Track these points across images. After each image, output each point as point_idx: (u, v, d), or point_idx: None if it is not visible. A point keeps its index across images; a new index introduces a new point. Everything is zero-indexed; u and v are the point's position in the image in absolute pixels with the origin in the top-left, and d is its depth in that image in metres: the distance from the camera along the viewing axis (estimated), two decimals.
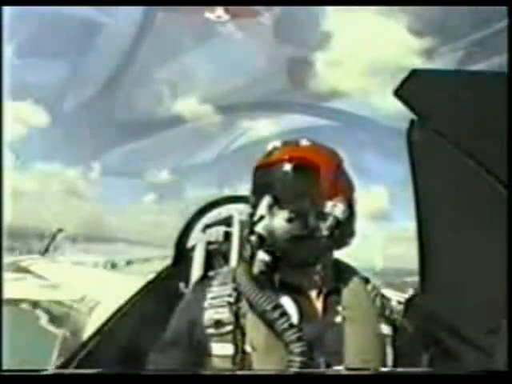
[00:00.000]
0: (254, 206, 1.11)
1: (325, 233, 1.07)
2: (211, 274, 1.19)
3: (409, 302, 1.91)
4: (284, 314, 0.98)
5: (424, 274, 1.78)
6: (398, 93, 1.42)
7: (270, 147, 1.20)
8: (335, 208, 1.09)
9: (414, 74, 1.40)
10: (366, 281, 1.17)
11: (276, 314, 0.97)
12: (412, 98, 1.44)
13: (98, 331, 2.01)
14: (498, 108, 1.23)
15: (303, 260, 1.10)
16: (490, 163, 1.34)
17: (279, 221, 1.05)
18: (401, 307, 1.91)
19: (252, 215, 1.10)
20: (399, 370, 1.02)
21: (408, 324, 1.15)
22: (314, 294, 1.10)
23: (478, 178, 1.38)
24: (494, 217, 1.35)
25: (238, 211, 2.15)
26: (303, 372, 0.93)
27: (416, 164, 1.61)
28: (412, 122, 1.52)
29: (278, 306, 0.98)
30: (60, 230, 14.71)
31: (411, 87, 1.40)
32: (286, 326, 0.96)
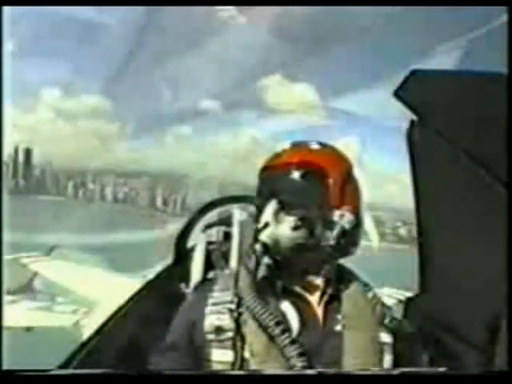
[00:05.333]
0: (259, 209, 1.09)
1: (331, 242, 1.05)
2: (212, 275, 1.18)
3: (409, 302, 1.91)
4: (286, 330, 0.98)
5: (424, 274, 1.78)
6: (398, 93, 1.42)
7: (279, 149, 1.17)
8: (343, 217, 1.07)
9: (414, 74, 1.39)
10: (367, 288, 1.16)
11: (278, 330, 0.97)
12: (412, 98, 1.44)
13: (98, 331, 2.01)
14: (498, 108, 1.23)
15: (306, 268, 1.10)
16: (489, 163, 1.34)
17: (285, 228, 1.03)
18: (401, 307, 1.91)
19: (257, 218, 1.09)
20: (399, 370, 1.02)
21: (408, 325, 1.15)
22: (315, 300, 1.08)
23: (478, 178, 1.37)
24: (493, 217, 1.35)
25: (238, 211, 2.14)
26: (303, 372, 0.93)
27: (416, 164, 1.61)
28: (412, 122, 1.52)
29: (280, 322, 0.98)
30: (55, 247, 14.83)
31: (411, 87, 1.40)
32: (287, 342, 0.96)
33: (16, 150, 66.26)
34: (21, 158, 66.55)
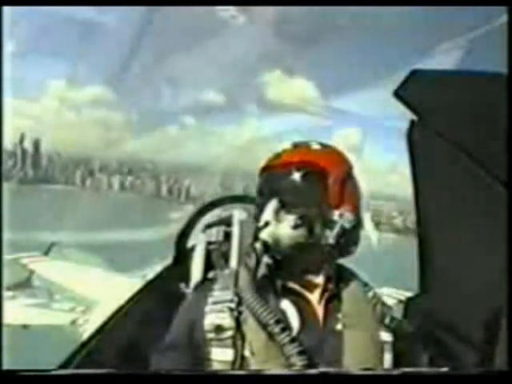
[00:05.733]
0: (260, 208, 1.10)
1: (330, 241, 1.06)
2: (212, 275, 1.18)
3: (409, 302, 1.91)
4: (286, 328, 0.97)
5: (424, 273, 1.78)
6: (398, 93, 1.42)
7: (279, 149, 1.17)
8: (342, 217, 1.07)
9: (414, 74, 1.39)
10: (367, 288, 1.16)
11: (277, 328, 0.96)
12: (412, 98, 1.44)
13: (99, 331, 2.01)
14: (498, 108, 1.23)
15: (306, 266, 1.10)
16: (489, 163, 1.34)
17: (285, 227, 1.04)
18: (401, 306, 1.91)
19: (257, 218, 1.09)
20: (399, 370, 1.02)
21: (408, 325, 1.15)
22: (315, 299, 1.09)
23: (478, 178, 1.37)
24: (493, 216, 1.35)
25: (238, 211, 2.14)
26: (303, 372, 0.93)
27: (416, 164, 1.61)
28: (412, 122, 1.52)
29: (280, 320, 0.98)
30: (54, 244, 14.77)
31: (411, 87, 1.40)
32: (287, 340, 0.96)
33: (22, 139, 68.51)
34: (30, 148, 68.80)
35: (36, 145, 69.52)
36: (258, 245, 1.03)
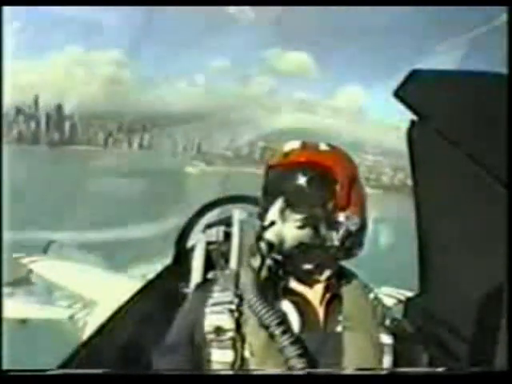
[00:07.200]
0: (265, 208, 1.09)
1: (336, 243, 1.06)
2: (212, 276, 1.18)
3: (409, 302, 1.91)
4: (287, 330, 0.97)
5: (424, 273, 1.78)
6: (398, 93, 1.42)
7: (287, 148, 1.16)
8: (348, 219, 1.07)
9: (414, 74, 1.39)
10: (368, 290, 1.16)
11: (279, 330, 0.96)
12: (412, 98, 1.44)
13: (98, 331, 2.01)
14: (498, 108, 1.23)
15: (310, 267, 1.09)
16: (490, 163, 1.34)
17: (290, 227, 1.03)
18: (401, 307, 1.91)
19: (261, 217, 1.09)
20: (399, 370, 1.02)
21: (408, 325, 1.15)
22: (316, 301, 1.09)
23: (478, 178, 1.37)
24: (493, 217, 1.35)
25: (238, 211, 2.14)
26: (302, 373, 0.93)
27: (416, 164, 1.61)
28: (412, 122, 1.52)
29: (281, 322, 0.98)
30: (52, 242, 14.60)
31: (411, 87, 1.40)
32: (287, 343, 0.96)
33: (36, 101, 71.58)
34: (54, 113, 71.94)
35: (59, 107, 72.50)
36: (262, 245, 1.03)
